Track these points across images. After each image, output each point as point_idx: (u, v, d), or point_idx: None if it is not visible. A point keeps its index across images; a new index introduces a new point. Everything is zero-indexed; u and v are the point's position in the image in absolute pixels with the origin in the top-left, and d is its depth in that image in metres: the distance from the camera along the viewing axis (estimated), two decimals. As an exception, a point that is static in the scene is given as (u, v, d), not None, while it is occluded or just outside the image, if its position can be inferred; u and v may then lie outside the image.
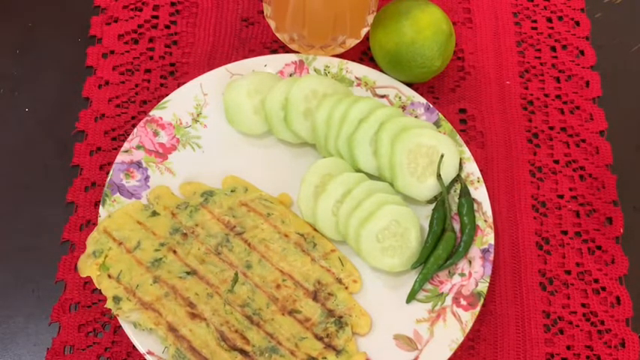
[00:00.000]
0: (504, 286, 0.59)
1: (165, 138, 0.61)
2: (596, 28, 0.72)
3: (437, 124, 0.62)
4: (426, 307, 0.56)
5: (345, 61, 0.65)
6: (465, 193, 0.59)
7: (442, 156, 0.59)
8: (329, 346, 0.53)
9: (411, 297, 0.56)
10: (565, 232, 0.61)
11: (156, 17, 0.70)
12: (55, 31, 0.69)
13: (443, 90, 0.68)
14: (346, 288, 0.56)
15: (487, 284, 0.56)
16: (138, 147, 0.60)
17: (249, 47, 0.69)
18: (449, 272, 0.57)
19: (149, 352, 0.52)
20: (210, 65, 0.67)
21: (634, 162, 0.65)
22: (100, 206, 0.57)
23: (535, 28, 0.72)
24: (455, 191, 0.60)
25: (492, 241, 0.58)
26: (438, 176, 0.59)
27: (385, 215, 0.56)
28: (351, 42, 0.66)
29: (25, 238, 0.59)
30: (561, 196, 0.63)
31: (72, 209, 0.61)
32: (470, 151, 0.62)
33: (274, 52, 0.69)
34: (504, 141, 0.65)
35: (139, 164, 0.60)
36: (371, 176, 0.60)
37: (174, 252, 0.55)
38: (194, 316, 0.52)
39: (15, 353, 0.55)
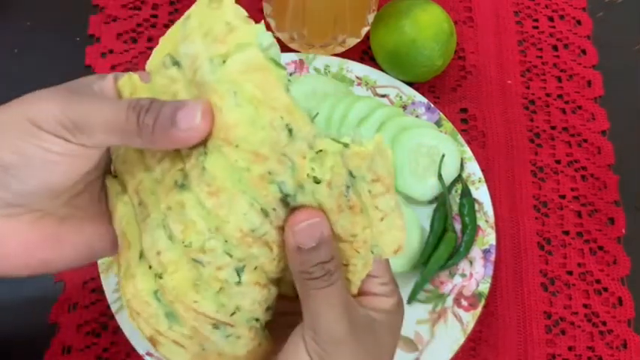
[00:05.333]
0: (505, 286, 0.59)
1: (165, 138, 0.61)
2: (598, 27, 0.71)
3: (438, 123, 0.62)
4: (426, 308, 0.56)
5: (346, 60, 0.65)
6: (466, 193, 0.59)
7: (443, 156, 0.59)
8: None
9: (412, 297, 0.56)
10: (567, 233, 0.61)
11: (155, 16, 0.70)
12: (53, 31, 0.69)
13: (444, 89, 0.67)
14: None
15: (488, 285, 0.56)
16: (137, 147, 0.60)
17: (248, 46, 0.69)
18: (450, 273, 0.57)
19: (148, 354, 0.52)
20: (210, 64, 0.67)
21: (636, 162, 0.65)
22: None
23: (536, 27, 0.71)
24: (456, 191, 0.60)
25: (493, 242, 0.58)
26: (439, 176, 0.59)
27: (386, 215, 0.56)
28: (352, 41, 0.66)
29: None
30: (563, 197, 0.63)
31: (71, 209, 0.60)
32: (471, 150, 0.61)
33: (274, 51, 0.69)
34: (506, 141, 0.65)
35: (138, 164, 0.59)
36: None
37: None
38: None
39: (15, 353, 0.55)
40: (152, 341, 0.35)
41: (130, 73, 0.36)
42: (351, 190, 0.33)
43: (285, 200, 0.33)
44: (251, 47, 0.32)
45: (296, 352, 0.35)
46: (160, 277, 0.34)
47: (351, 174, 0.33)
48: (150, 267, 0.35)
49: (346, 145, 0.32)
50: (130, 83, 0.36)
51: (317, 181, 0.32)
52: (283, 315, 0.38)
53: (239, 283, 0.34)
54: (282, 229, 0.34)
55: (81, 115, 0.33)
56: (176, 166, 0.35)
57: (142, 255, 0.35)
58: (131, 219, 0.36)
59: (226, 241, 0.33)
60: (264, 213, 0.33)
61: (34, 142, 0.33)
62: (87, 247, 0.38)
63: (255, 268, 0.34)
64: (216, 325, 0.35)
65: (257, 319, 0.36)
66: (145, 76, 0.36)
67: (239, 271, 0.34)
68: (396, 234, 0.35)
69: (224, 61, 0.32)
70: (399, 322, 0.37)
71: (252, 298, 0.35)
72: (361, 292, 0.37)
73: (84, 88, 0.36)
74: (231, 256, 0.34)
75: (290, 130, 0.32)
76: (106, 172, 0.39)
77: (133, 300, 0.35)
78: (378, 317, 0.36)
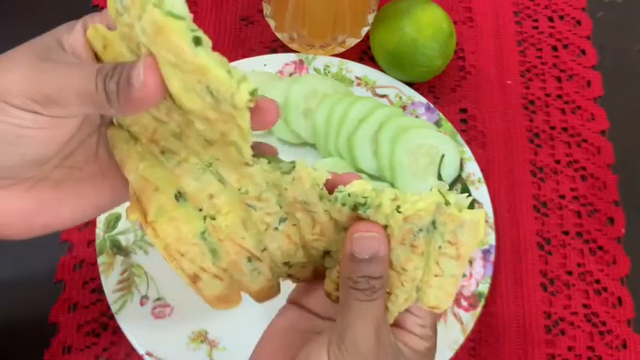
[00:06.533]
0: (505, 286, 0.59)
1: (165, 138, 0.61)
2: (598, 28, 0.71)
3: (437, 123, 0.62)
4: (426, 308, 0.56)
5: (345, 60, 0.65)
6: (465, 193, 0.59)
7: (443, 156, 0.59)
8: None
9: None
10: (566, 233, 0.61)
11: (155, 16, 0.70)
12: (53, 31, 0.69)
13: (443, 90, 0.67)
14: None
15: (488, 285, 0.56)
16: (137, 147, 0.60)
17: (248, 46, 0.69)
18: (449, 273, 0.57)
19: (148, 354, 0.52)
20: (210, 65, 0.67)
21: (635, 162, 0.65)
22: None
23: (536, 28, 0.71)
24: (456, 191, 0.60)
25: (493, 242, 0.58)
26: (439, 176, 0.59)
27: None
28: (351, 41, 0.66)
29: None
30: (563, 197, 0.63)
31: (71, 209, 0.60)
32: (471, 151, 0.61)
33: (274, 51, 0.69)
34: (505, 141, 0.65)
35: (138, 164, 0.59)
36: (371, 176, 0.60)
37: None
38: None
39: (15, 353, 0.55)
40: (194, 278, 0.36)
41: (96, 25, 0.34)
42: (422, 234, 0.34)
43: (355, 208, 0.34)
44: (149, 4, 0.29)
45: (318, 350, 0.35)
46: (213, 218, 0.35)
47: (433, 224, 0.33)
48: (200, 209, 0.35)
49: (447, 203, 0.33)
50: (98, 35, 0.34)
51: (398, 211, 0.33)
52: (329, 320, 0.38)
53: (276, 229, 0.36)
54: (335, 222, 0.35)
55: (51, 88, 0.31)
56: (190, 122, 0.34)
57: (178, 197, 0.35)
58: (153, 164, 0.36)
59: (280, 195, 0.35)
60: (320, 197, 0.34)
61: (2, 119, 0.32)
62: (86, 206, 0.37)
63: (294, 225, 0.36)
64: (249, 259, 0.37)
65: (276, 264, 0.38)
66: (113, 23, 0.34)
67: (281, 221, 0.36)
68: (442, 296, 0.36)
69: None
70: None
71: (278, 245, 0.36)
72: (398, 325, 0.37)
73: (54, 51, 0.34)
74: (280, 207, 0.35)
75: (211, 93, 0.30)
76: (103, 126, 0.37)
77: (177, 242, 0.35)
78: (406, 352, 0.36)
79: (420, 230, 0.33)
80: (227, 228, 0.35)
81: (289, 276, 0.39)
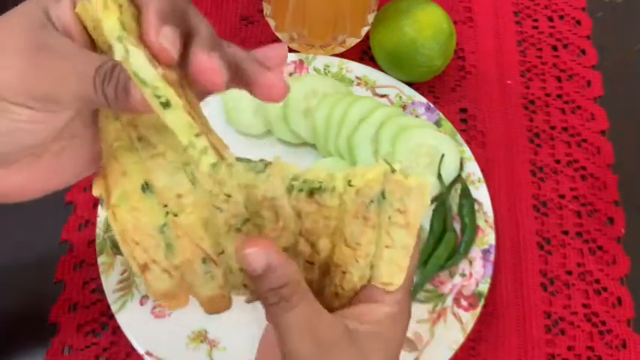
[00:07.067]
0: (505, 286, 0.59)
1: (165, 138, 0.61)
2: (598, 28, 0.71)
3: (437, 123, 0.62)
4: (426, 308, 0.56)
5: (345, 60, 0.65)
6: (465, 193, 0.59)
7: (443, 156, 0.59)
8: None
9: (412, 297, 0.56)
10: (566, 233, 0.61)
11: (155, 16, 0.70)
12: (53, 30, 0.69)
13: (443, 89, 0.67)
14: None
15: (488, 285, 0.56)
16: (137, 147, 0.60)
17: (248, 46, 0.68)
18: (449, 273, 0.57)
19: (148, 354, 0.52)
20: (210, 64, 0.67)
21: (635, 162, 0.65)
22: (99, 207, 0.57)
23: (536, 27, 0.71)
24: (456, 191, 0.60)
25: (493, 242, 0.58)
26: (439, 176, 0.59)
27: (385, 215, 0.56)
28: (352, 41, 0.66)
29: (24, 238, 0.59)
30: (562, 196, 0.63)
31: (70, 209, 0.60)
32: (471, 150, 0.61)
33: (274, 51, 0.69)
34: (505, 141, 0.65)
35: (138, 164, 0.59)
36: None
37: None
38: None
39: (15, 353, 0.55)
40: (143, 267, 0.36)
41: (84, 3, 0.33)
42: (373, 205, 0.35)
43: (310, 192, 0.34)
44: (116, 53, 0.29)
45: None
46: (175, 215, 0.35)
47: (382, 194, 0.34)
48: (165, 205, 0.35)
49: (393, 171, 0.34)
50: (87, 15, 0.34)
51: (350, 185, 0.34)
52: None
53: (239, 230, 0.35)
54: (298, 213, 0.35)
55: (49, 88, 0.31)
56: None
57: (145, 188, 0.35)
58: (125, 145, 0.36)
59: (247, 196, 0.35)
60: (288, 190, 0.34)
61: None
62: (85, 167, 0.37)
63: (255, 225, 0.36)
64: (204, 260, 0.36)
65: (231, 271, 0.37)
66: None
67: (244, 222, 0.35)
68: (394, 271, 0.36)
69: None
70: (390, 334, 0.36)
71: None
72: (360, 300, 0.37)
73: (45, 29, 0.32)
74: (247, 208, 0.35)
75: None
76: None
77: (134, 231, 0.35)
78: (363, 330, 0.35)
79: (371, 202, 0.34)
80: (187, 227, 0.35)
81: (244, 286, 0.39)
